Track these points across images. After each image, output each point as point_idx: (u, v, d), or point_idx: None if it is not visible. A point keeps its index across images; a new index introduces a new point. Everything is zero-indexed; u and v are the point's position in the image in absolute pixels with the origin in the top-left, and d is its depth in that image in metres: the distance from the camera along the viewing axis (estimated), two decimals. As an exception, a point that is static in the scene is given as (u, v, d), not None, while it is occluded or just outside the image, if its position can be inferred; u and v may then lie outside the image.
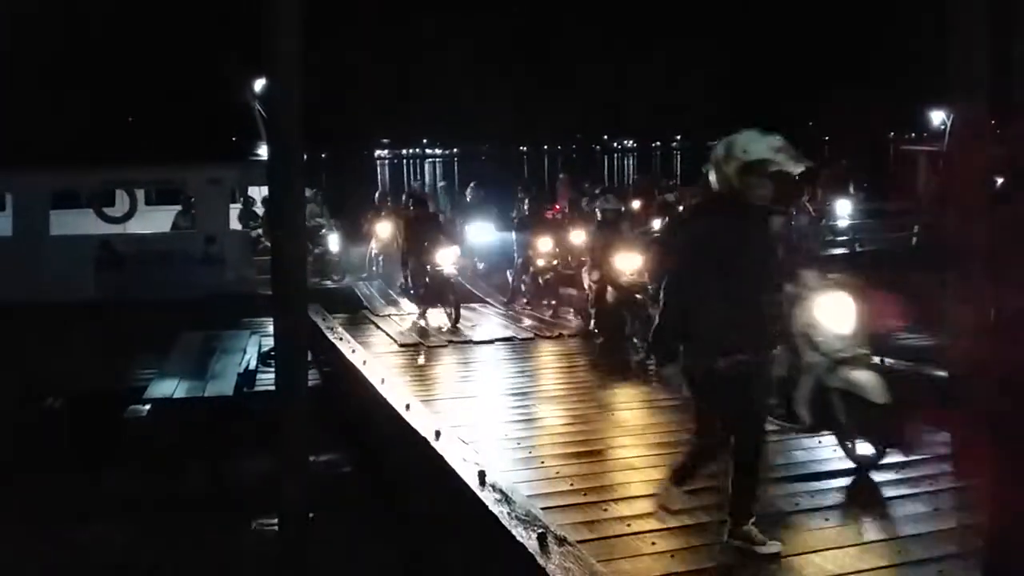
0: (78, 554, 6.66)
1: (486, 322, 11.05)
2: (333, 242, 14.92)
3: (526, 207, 14.50)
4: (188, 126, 15.01)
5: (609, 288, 8.83)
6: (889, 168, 23.49)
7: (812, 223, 17.27)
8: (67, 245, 13.39)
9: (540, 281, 11.78)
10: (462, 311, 11.13)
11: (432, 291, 11.01)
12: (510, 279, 12.93)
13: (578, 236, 15.36)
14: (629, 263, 8.73)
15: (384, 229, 14.98)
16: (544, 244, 11.64)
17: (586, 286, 9.62)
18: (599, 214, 9.57)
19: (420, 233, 11.37)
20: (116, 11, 15.63)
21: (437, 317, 10.99)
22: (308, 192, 16.91)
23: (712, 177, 4.20)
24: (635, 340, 8.41)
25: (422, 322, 10.99)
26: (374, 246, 15.53)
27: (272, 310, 5.75)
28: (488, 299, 12.92)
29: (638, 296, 8.41)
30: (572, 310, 10.78)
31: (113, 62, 15.36)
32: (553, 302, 11.57)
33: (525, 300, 12.25)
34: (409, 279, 11.96)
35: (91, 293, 12.76)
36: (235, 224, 14.99)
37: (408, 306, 12.41)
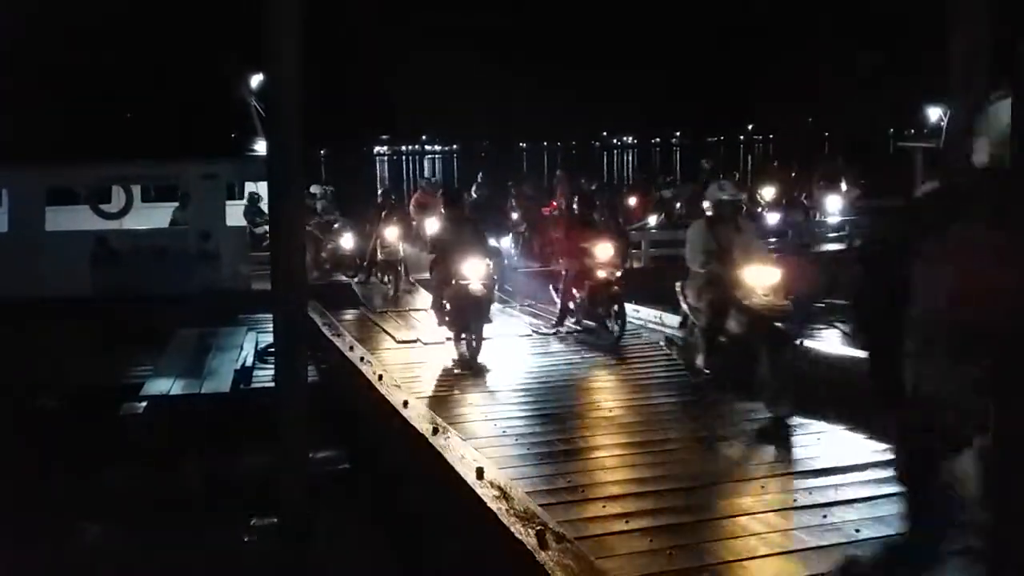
0: (75, 553, 6.66)
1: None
2: (347, 239, 14.69)
3: (574, 204, 12.13)
4: (184, 122, 14.97)
5: (733, 312, 6.53)
6: (887, 164, 23.54)
7: (806, 219, 17.41)
8: (63, 241, 13.35)
9: (602, 298, 9.43)
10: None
11: (456, 312, 8.93)
12: (554, 296, 10.50)
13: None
14: (763, 276, 6.45)
15: (391, 232, 13.45)
16: (604, 251, 9.41)
17: (684, 307, 7.45)
18: (709, 207, 7.07)
19: (450, 239, 9.22)
20: (112, 7, 15.58)
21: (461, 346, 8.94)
22: (319, 188, 16.91)
23: (980, 154, 2.83)
24: (772, 388, 6.18)
25: (456, 350, 8.96)
26: (379, 248, 13.81)
27: (272, 307, 5.76)
28: (530, 325, 10.67)
29: (778, 325, 6.31)
30: (662, 341, 8.45)
31: (109, 58, 15.31)
32: (615, 325, 9.25)
33: (574, 320, 9.95)
34: (434, 293, 9.67)
35: (87, 289, 12.73)
36: (232, 220, 14.95)
37: (408, 303, 12.27)
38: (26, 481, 7.56)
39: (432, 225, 15.77)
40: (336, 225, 15.29)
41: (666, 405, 7.05)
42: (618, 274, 9.47)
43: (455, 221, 9.59)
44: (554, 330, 10.03)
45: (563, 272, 10.17)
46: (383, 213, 14.17)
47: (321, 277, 14.45)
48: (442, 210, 11.12)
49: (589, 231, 9.84)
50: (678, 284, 7.50)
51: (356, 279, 14.21)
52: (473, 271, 8.70)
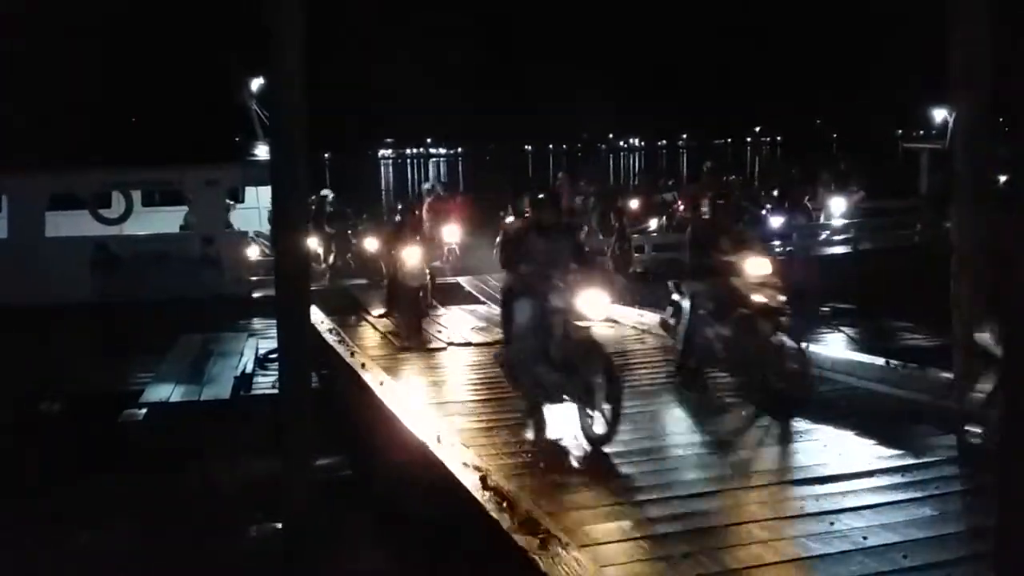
0: (76, 557, 6.62)
1: (487, 324, 10.94)
2: (371, 241, 14.27)
3: (680, 210, 9.65)
4: (185, 127, 14.98)
5: None
6: (894, 166, 23.53)
7: (809, 221, 17.36)
8: (63, 247, 13.36)
9: (761, 333, 6.54)
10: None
11: (567, 371, 6.14)
12: (675, 341, 7.60)
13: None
14: None
15: (413, 255, 10.58)
16: (758, 266, 6.76)
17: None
18: None
19: (546, 259, 6.61)
20: (112, 12, 15.61)
21: (564, 420, 6.27)
22: (332, 194, 16.88)
23: None
24: None
25: (537, 432, 6.39)
26: (399, 273, 10.80)
27: (276, 312, 5.72)
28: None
29: None
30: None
31: (109, 63, 15.33)
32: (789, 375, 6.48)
33: (693, 361, 7.27)
34: (516, 342, 6.80)
35: (87, 295, 12.72)
36: (234, 225, 14.94)
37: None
38: (27, 482, 7.55)
39: (452, 233, 15.11)
40: (360, 228, 15.17)
41: (669, 413, 6.99)
42: (781, 298, 6.67)
43: (551, 233, 6.74)
44: (676, 377, 7.42)
45: (684, 297, 7.45)
46: (402, 230, 11.35)
47: (338, 280, 14.34)
48: (528, 214, 8.33)
49: (731, 240, 7.15)
50: (982, 330, 4.88)
51: (376, 313, 11.92)
52: (594, 306, 6.12)
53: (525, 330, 6.57)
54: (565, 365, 6.15)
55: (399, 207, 13.82)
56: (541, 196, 7.22)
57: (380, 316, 11.64)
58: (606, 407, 5.77)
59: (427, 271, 10.85)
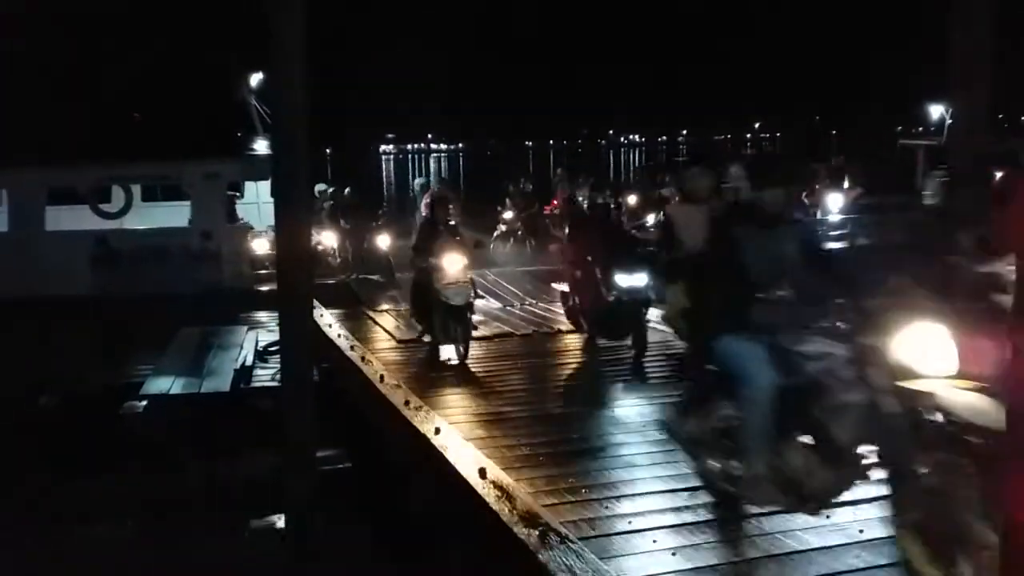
0: (76, 553, 6.65)
1: (485, 317, 10.97)
2: (382, 240, 14.22)
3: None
4: (184, 122, 14.99)
5: None
6: (891, 162, 23.53)
7: (806, 216, 17.33)
8: (63, 241, 13.39)
9: None
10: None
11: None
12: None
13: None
14: None
15: (454, 262, 8.38)
16: None
17: None
18: None
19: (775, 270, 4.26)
20: (112, 7, 15.61)
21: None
22: (335, 189, 16.90)
23: None
24: None
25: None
26: (438, 285, 8.36)
27: (278, 306, 5.76)
28: None
29: None
30: None
31: (109, 58, 15.34)
32: None
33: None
34: (718, 404, 4.51)
35: (87, 289, 12.75)
36: (243, 219, 14.97)
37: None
38: (27, 481, 7.56)
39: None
40: (376, 223, 15.03)
41: (667, 405, 7.01)
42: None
43: (775, 230, 4.28)
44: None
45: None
46: (433, 230, 8.85)
47: (350, 274, 14.29)
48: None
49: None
50: None
51: (381, 307, 11.49)
52: (927, 354, 3.57)
53: (754, 390, 4.00)
54: (852, 452, 3.79)
55: (426, 201, 11.77)
56: (765, 163, 4.67)
57: (401, 311, 10.94)
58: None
59: (471, 283, 8.61)
